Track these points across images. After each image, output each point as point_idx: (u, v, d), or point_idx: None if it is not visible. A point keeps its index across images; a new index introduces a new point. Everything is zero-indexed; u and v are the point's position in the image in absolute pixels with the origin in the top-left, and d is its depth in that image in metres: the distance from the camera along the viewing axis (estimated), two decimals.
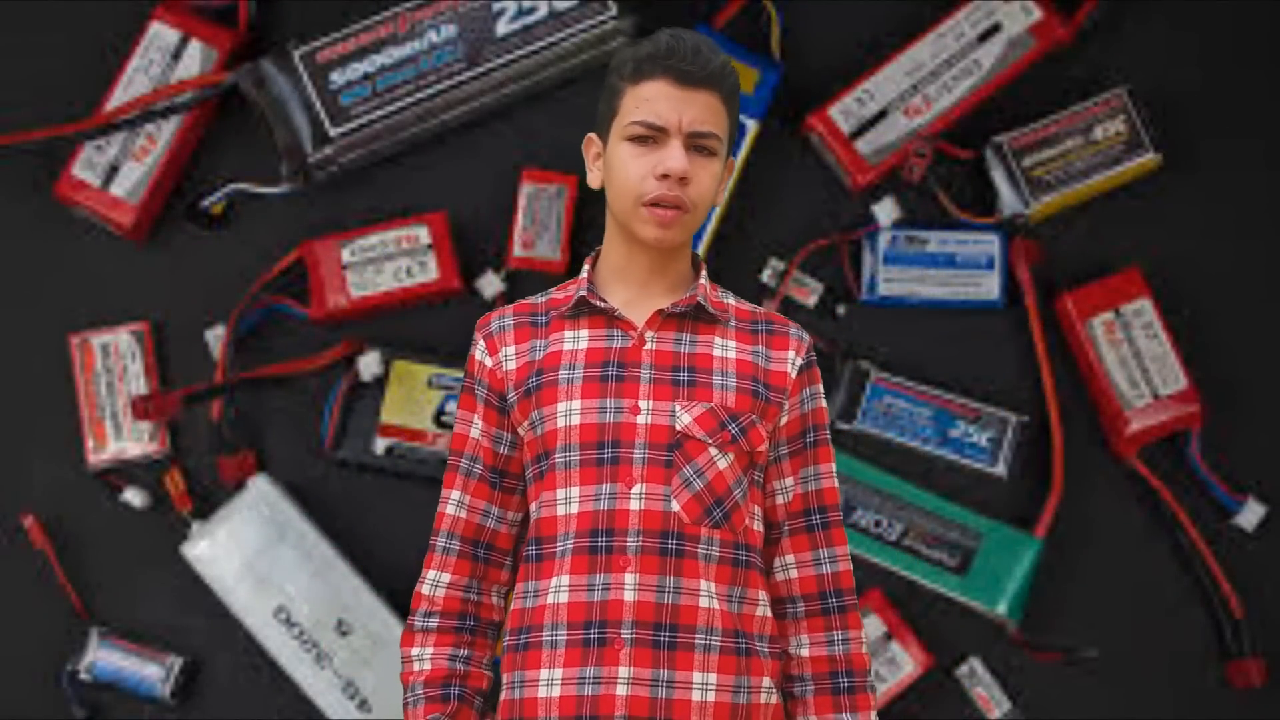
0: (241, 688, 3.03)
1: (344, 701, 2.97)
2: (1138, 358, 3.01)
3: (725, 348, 1.91)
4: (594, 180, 1.95)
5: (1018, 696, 3.04)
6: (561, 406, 1.87)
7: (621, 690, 1.80)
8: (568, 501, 1.86)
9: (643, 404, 1.87)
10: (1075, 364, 3.06)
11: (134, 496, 3.02)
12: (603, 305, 1.91)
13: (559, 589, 1.84)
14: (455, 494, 1.95)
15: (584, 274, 1.96)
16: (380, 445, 3.01)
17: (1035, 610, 3.01)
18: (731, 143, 1.95)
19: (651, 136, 1.86)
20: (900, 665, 2.99)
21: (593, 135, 1.96)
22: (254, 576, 2.97)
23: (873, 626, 2.99)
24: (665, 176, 1.85)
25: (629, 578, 1.82)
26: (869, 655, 1.95)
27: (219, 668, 3.03)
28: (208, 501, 3.03)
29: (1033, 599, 3.00)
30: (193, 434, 3.05)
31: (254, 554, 2.97)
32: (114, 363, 3.04)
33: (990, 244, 3.06)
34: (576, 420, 1.87)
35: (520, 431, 1.92)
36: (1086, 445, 3.05)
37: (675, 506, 1.84)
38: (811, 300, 3.07)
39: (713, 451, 1.86)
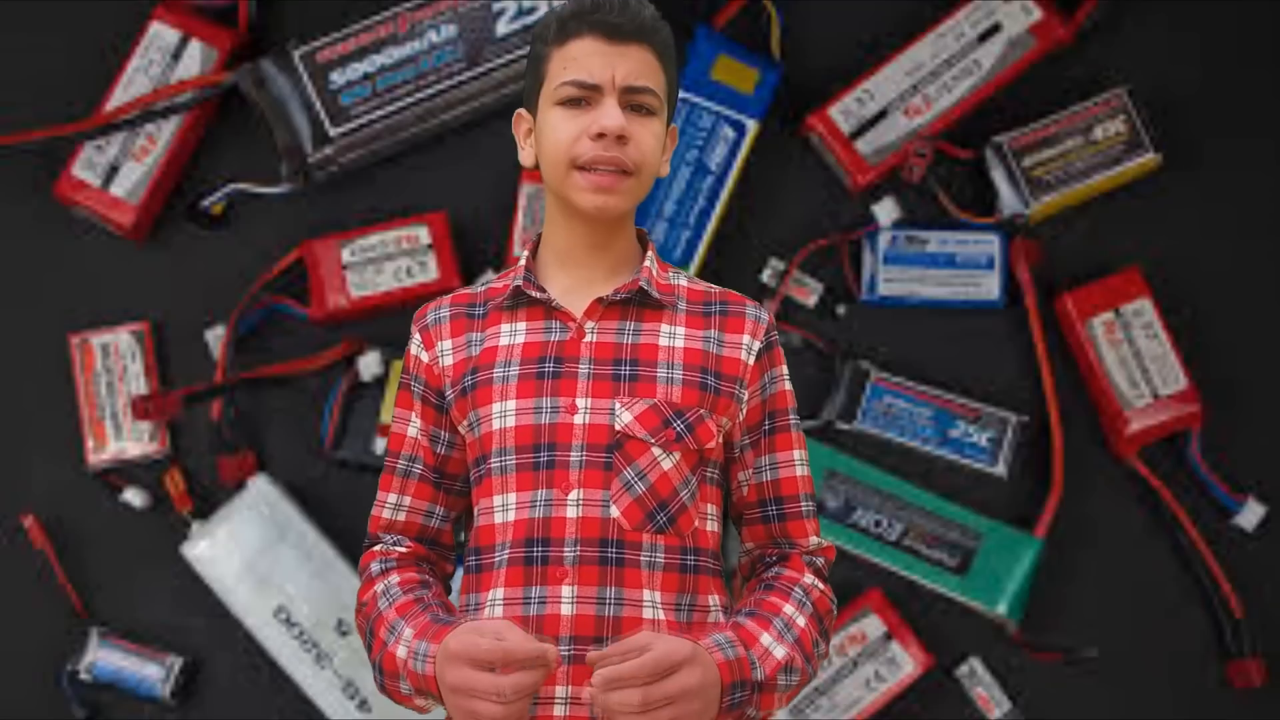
0: (241, 688, 3.03)
1: (344, 701, 2.97)
2: (1138, 358, 3.01)
3: (673, 335, 1.79)
4: (526, 158, 1.84)
5: (1018, 696, 3.04)
6: (496, 407, 1.77)
7: (560, 710, 1.71)
8: (504, 509, 1.76)
9: (580, 402, 1.75)
10: (1075, 364, 3.06)
11: (134, 496, 3.02)
12: (539, 295, 1.80)
13: (494, 603, 1.74)
14: (392, 497, 1.86)
15: (522, 261, 1.84)
16: (380, 445, 3.01)
17: (1035, 610, 3.01)
18: (673, 106, 1.82)
19: (583, 97, 1.75)
20: (900, 665, 2.99)
21: (521, 111, 1.84)
22: (254, 576, 2.97)
23: (873, 626, 2.99)
24: (601, 136, 1.73)
25: (566, 590, 1.71)
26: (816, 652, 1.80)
27: (219, 668, 3.03)
28: (208, 501, 3.03)
29: (1033, 599, 3.00)
30: (193, 434, 3.05)
31: (254, 554, 2.97)
32: (114, 363, 3.04)
33: (990, 244, 3.06)
34: (511, 422, 1.75)
35: (461, 431, 1.83)
36: (1086, 445, 3.05)
37: (614, 512, 1.73)
38: (811, 300, 3.07)
39: (656, 452, 1.74)
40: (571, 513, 1.73)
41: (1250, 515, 3.03)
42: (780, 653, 1.71)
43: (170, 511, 3.02)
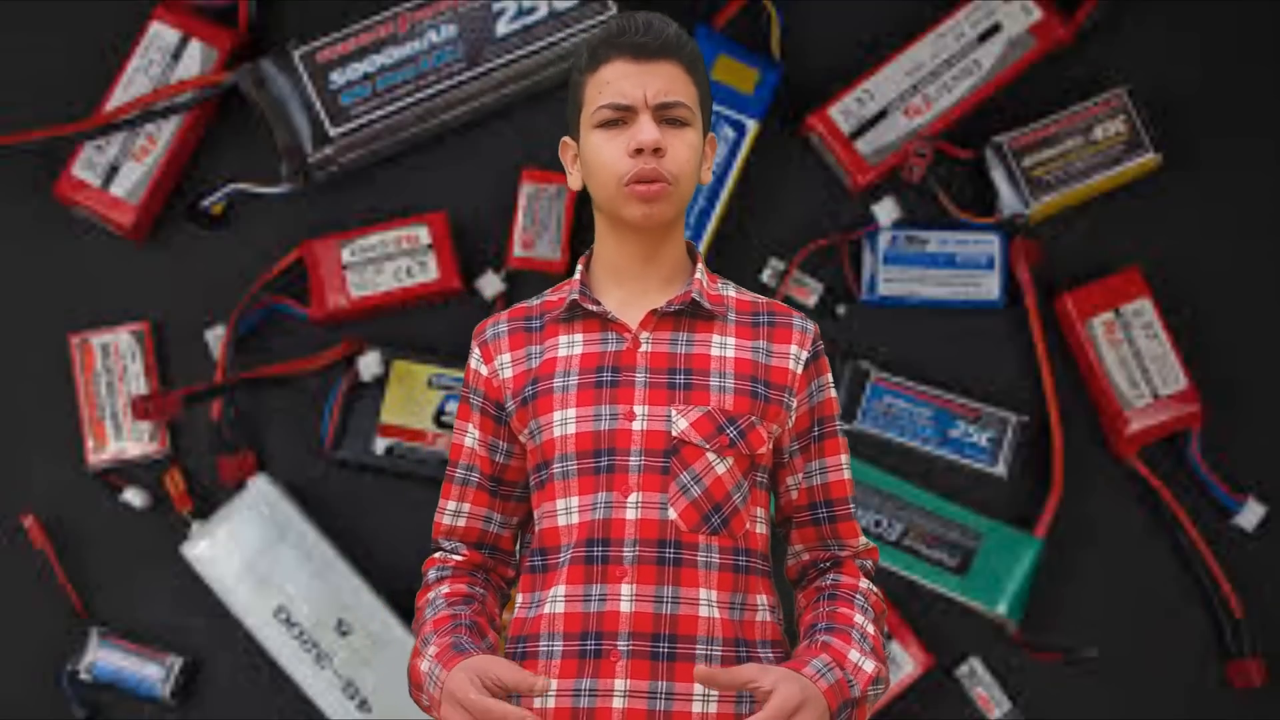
0: (241, 688, 3.03)
1: (344, 701, 2.97)
2: (1138, 358, 3.01)
3: (724, 346, 1.87)
4: (574, 182, 1.92)
5: (1018, 696, 3.04)
6: (557, 415, 1.84)
7: (618, 703, 1.77)
8: (568, 512, 1.84)
9: (638, 409, 1.83)
10: (1075, 364, 3.06)
11: (134, 496, 3.02)
12: (595, 308, 1.88)
13: (555, 599, 1.81)
14: (451, 504, 1.94)
15: (577, 275, 1.92)
16: (380, 445, 3.01)
17: (1035, 610, 3.02)
18: (707, 115, 1.91)
19: (619, 118, 1.83)
20: (900, 665, 2.99)
21: (566, 139, 1.93)
22: (254, 576, 2.97)
23: None
24: (639, 152, 1.82)
25: (625, 588, 1.79)
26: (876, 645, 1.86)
27: (219, 668, 3.03)
28: (208, 501, 3.03)
29: (1033, 599, 3.00)
30: (193, 434, 3.05)
31: (254, 554, 2.97)
32: (114, 363, 3.04)
33: (990, 244, 3.06)
34: (572, 429, 1.83)
35: (521, 440, 1.90)
36: (1086, 445, 3.05)
37: (672, 514, 1.80)
38: (811, 300, 3.07)
39: (710, 457, 1.82)
40: (631, 514, 1.81)
41: (1250, 515, 3.03)
42: (870, 666, 1.80)
43: (170, 511, 3.02)
